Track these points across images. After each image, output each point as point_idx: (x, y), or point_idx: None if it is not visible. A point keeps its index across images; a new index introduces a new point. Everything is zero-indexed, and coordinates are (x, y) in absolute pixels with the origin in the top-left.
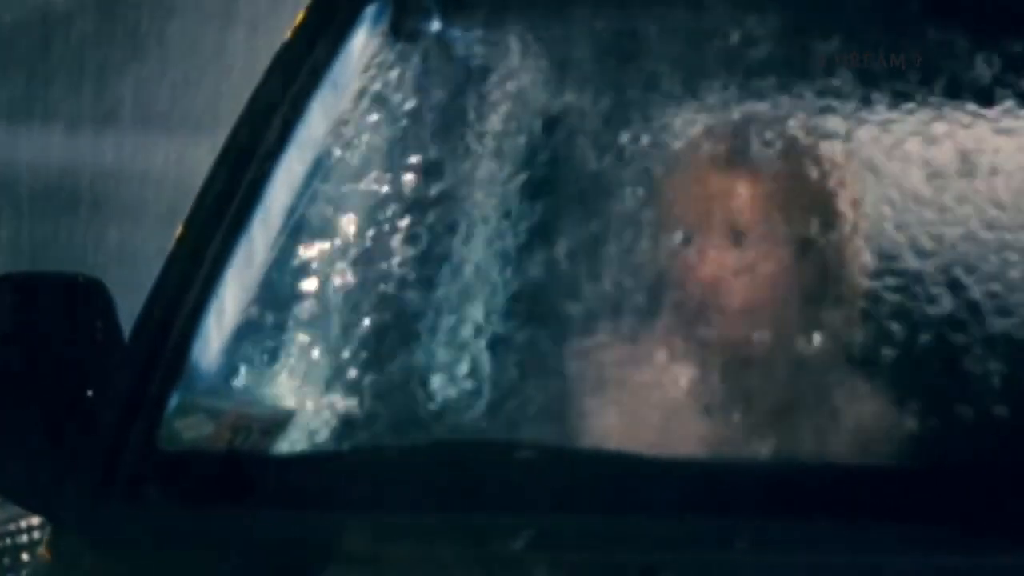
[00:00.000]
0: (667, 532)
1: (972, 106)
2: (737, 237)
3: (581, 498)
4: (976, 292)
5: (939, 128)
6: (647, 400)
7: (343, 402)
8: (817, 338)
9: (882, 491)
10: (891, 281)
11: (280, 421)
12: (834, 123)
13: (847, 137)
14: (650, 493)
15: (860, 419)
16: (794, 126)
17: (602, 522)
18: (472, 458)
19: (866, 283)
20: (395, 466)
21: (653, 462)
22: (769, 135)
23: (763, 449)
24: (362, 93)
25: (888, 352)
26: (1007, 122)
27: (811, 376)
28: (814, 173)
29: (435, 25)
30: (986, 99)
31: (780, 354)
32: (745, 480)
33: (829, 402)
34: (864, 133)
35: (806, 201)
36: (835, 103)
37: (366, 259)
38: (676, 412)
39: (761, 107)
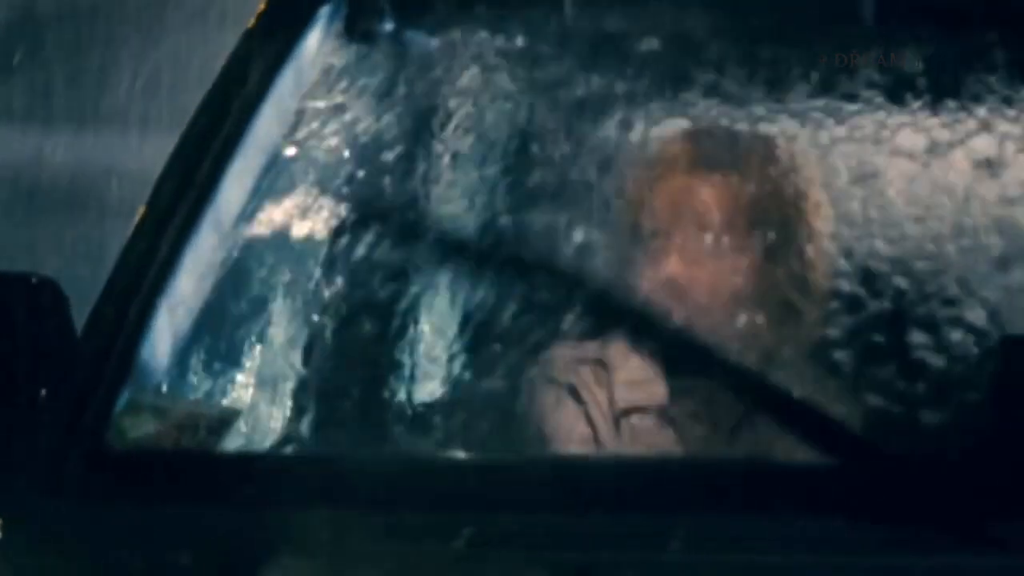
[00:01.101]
0: (603, 531)
1: (936, 109)
2: (701, 240)
3: (521, 498)
4: (933, 294)
5: (903, 130)
6: (587, 403)
7: (289, 401)
8: (768, 340)
9: (816, 489)
10: (851, 282)
11: (227, 420)
12: (797, 126)
13: (810, 140)
14: (586, 493)
15: (801, 419)
16: (759, 130)
17: (541, 521)
18: (415, 458)
19: (826, 285)
20: (339, 465)
21: (590, 462)
22: (733, 139)
23: (703, 449)
24: (316, 93)
25: (838, 352)
26: (967, 123)
27: (757, 378)
28: (777, 176)
29: (389, 25)
30: (945, 101)
31: (728, 356)
32: (681, 479)
33: (773, 403)
34: (827, 136)
35: (769, 204)
36: (798, 107)
37: (318, 260)
38: (613, 413)
39: (725, 110)
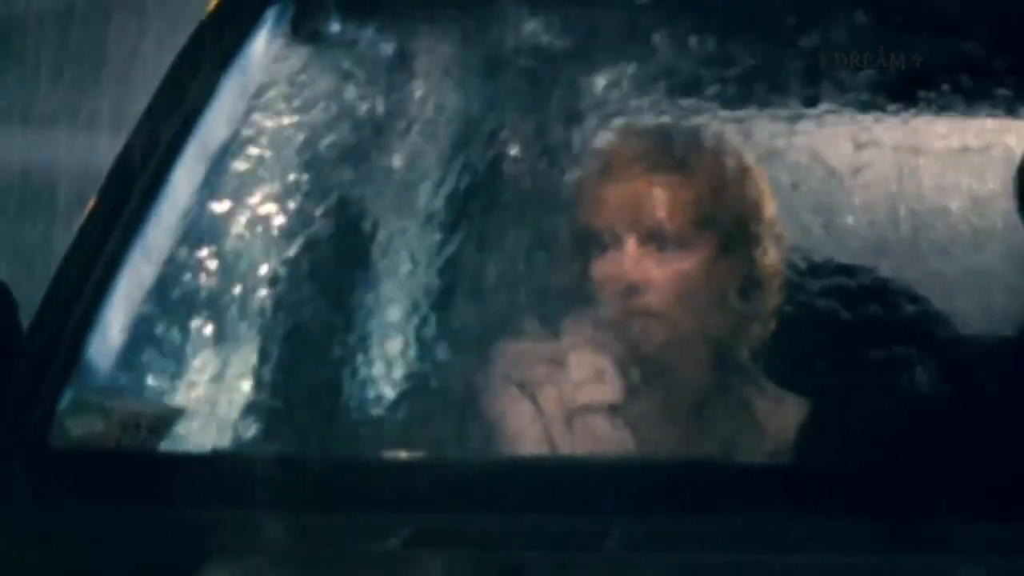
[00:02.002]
0: (539, 530)
1: (893, 110)
2: (655, 242)
3: (458, 497)
4: (881, 295)
5: (858, 131)
6: (540, 401)
7: (231, 401)
8: (720, 339)
9: (753, 489)
10: (801, 281)
11: (170, 419)
12: (747, 126)
13: (760, 140)
14: (522, 492)
15: (751, 419)
16: (709, 130)
17: (477, 521)
18: (352, 458)
19: (776, 284)
20: (280, 465)
21: (527, 462)
22: (683, 139)
23: (657, 447)
24: (263, 93)
25: (787, 352)
26: (921, 124)
27: (709, 377)
28: (727, 176)
29: (337, 26)
30: (905, 103)
31: (681, 355)
32: (615, 478)
33: (725, 402)
34: (777, 136)
35: (720, 203)
36: (747, 107)
37: (262, 260)
38: (566, 412)
39: (675, 111)
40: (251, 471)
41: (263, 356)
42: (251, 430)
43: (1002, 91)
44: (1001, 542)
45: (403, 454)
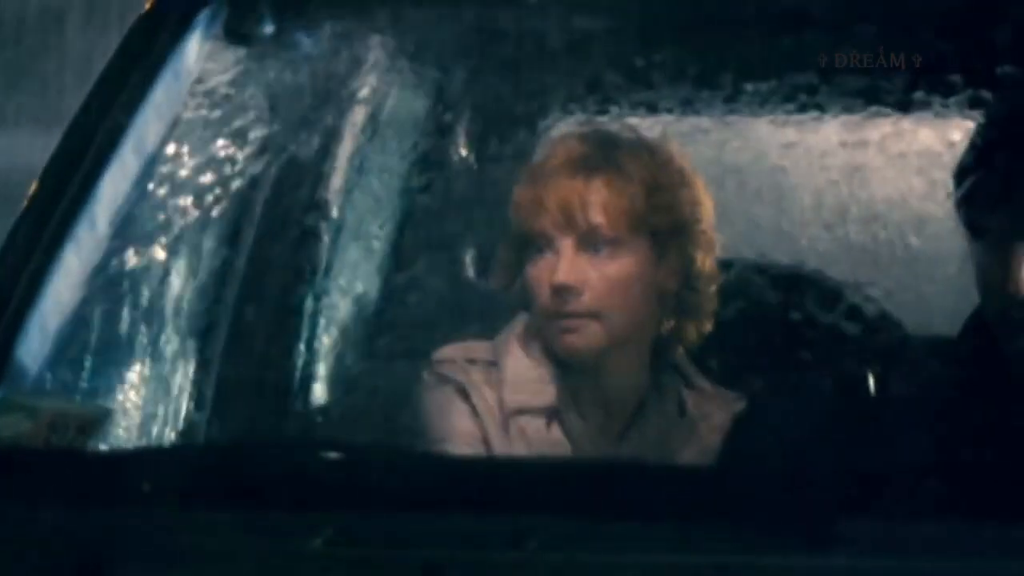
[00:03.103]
0: (461, 530)
1: (832, 110)
2: (590, 244)
3: (380, 496)
4: (825, 296)
5: (796, 132)
6: (476, 402)
7: (158, 401)
8: (656, 340)
9: (672, 491)
10: (737, 282)
11: (99, 419)
12: (685, 131)
13: (700, 144)
14: (446, 492)
15: (685, 421)
16: (644, 132)
17: (399, 520)
18: (273, 457)
19: (713, 284)
20: (205, 464)
21: (451, 462)
22: (622, 144)
23: (591, 450)
24: (195, 95)
25: (722, 353)
26: (861, 124)
27: (637, 379)
28: (663, 178)
29: (269, 28)
30: (846, 103)
31: (617, 357)
32: (539, 480)
33: (660, 404)
34: (714, 136)
35: (655, 205)
36: (684, 109)
37: (193, 259)
38: (502, 413)
39: (614, 116)
40: (176, 470)
41: (192, 357)
42: (179, 430)
43: (939, 92)
44: (929, 542)
45: (329, 453)
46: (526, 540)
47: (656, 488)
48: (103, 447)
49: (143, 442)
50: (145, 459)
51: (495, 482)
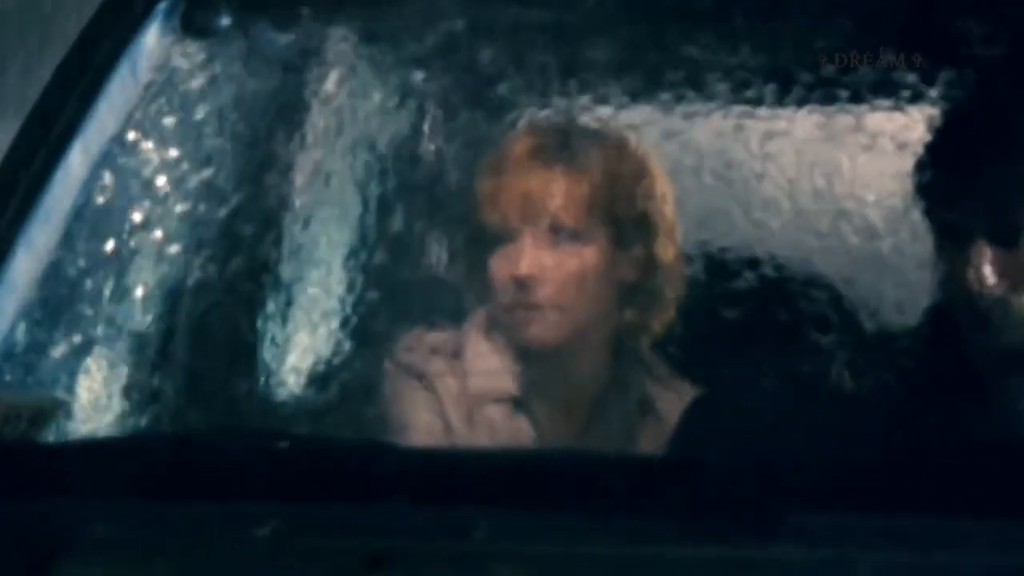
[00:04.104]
0: (407, 520)
1: (793, 102)
2: (550, 235)
3: (326, 486)
4: (785, 288)
5: (756, 125)
6: (439, 392)
7: (112, 393)
8: (618, 331)
9: (623, 482)
10: (699, 274)
11: (49, 411)
12: (646, 122)
13: (661, 136)
14: (394, 482)
15: (645, 412)
16: (604, 124)
17: (346, 510)
18: (220, 446)
19: (675, 276)
20: (152, 454)
21: (397, 451)
22: (579, 134)
23: (555, 440)
24: (152, 88)
25: (685, 344)
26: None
27: (599, 370)
28: (623, 170)
29: (226, 21)
30: (805, 95)
31: (580, 347)
32: (487, 471)
33: (623, 396)
34: (673, 128)
35: (616, 197)
36: (642, 102)
37: (147, 254)
38: (465, 403)
39: (571, 106)
40: (126, 461)
41: (148, 349)
42: (132, 422)
43: (903, 87)
44: (880, 535)
45: (277, 443)
46: (473, 531)
47: (606, 479)
48: (55, 438)
49: (95, 433)
50: (95, 450)
51: (443, 472)
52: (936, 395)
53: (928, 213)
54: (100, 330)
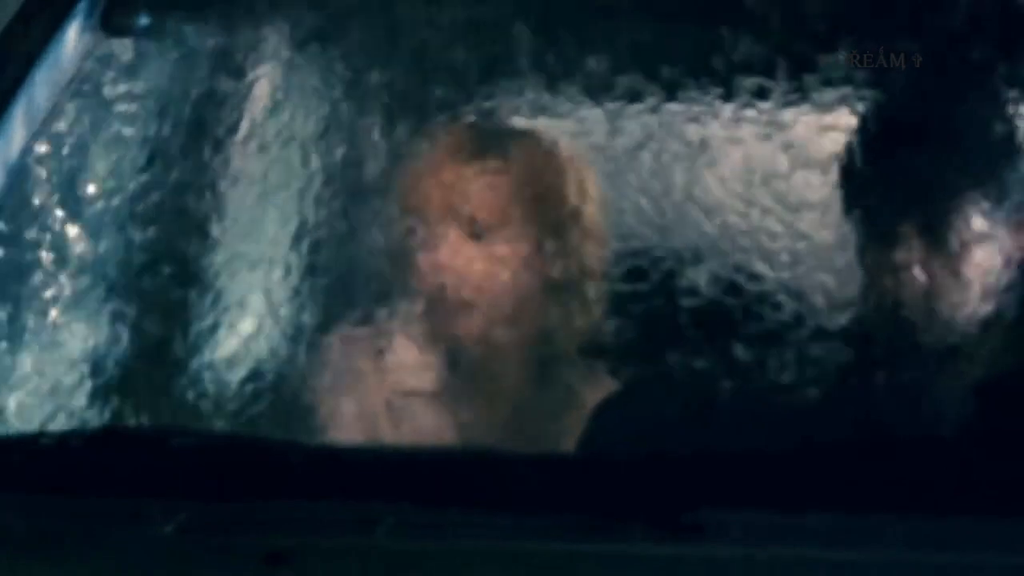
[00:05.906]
0: (308, 517)
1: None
2: (474, 232)
3: (231, 483)
4: (715, 285)
5: (690, 122)
6: (360, 387)
7: (42, 390)
8: (542, 329)
9: (530, 479)
10: (624, 272)
11: None
12: (573, 119)
13: (589, 133)
14: (300, 479)
15: (567, 410)
16: (530, 122)
17: (250, 507)
18: (129, 443)
19: (599, 274)
20: (60, 448)
21: (298, 448)
22: (508, 132)
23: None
24: (72, 86)
25: (608, 344)
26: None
27: (522, 368)
28: (549, 168)
29: (147, 19)
30: (741, 94)
31: (499, 346)
32: (391, 467)
33: (548, 392)
34: (600, 128)
35: (541, 195)
36: (570, 99)
37: (67, 255)
38: (386, 398)
39: (500, 104)
40: (30, 455)
41: (80, 345)
42: (36, 416)
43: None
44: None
45: (182, 440)
46: (374, 527)
47: (513, 476)
48: None
49: (18, 430)
50: (1, 444)
51: (345, 469)
52: (855, 392)
53: (853, 211)
54: (17, 328)
